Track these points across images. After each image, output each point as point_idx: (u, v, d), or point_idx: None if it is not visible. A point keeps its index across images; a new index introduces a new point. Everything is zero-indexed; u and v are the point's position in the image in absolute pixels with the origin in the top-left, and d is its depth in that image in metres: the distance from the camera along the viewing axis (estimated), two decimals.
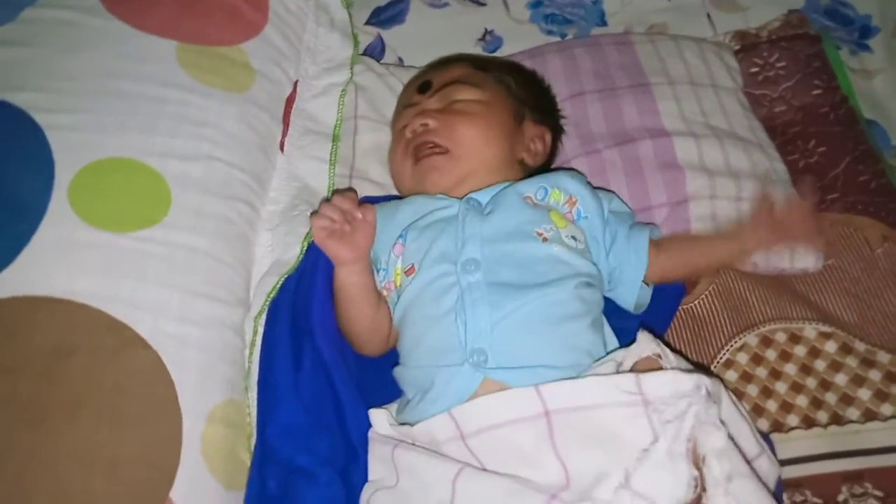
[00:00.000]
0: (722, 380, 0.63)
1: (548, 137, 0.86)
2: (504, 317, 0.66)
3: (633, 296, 0.77)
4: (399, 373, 0.72)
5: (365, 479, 0.67)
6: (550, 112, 0.90)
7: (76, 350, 0.61)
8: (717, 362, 0.79)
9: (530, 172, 0.82)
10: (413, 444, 0.64)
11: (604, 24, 1.10)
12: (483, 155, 0.78)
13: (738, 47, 1.05)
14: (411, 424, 0.65)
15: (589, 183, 0.80)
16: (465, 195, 0.76)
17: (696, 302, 0.83)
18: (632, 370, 0.61)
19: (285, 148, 0.88)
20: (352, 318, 0.74)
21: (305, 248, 0.78)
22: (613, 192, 0.83)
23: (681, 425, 0.55)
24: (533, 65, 0.97)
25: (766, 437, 0.71)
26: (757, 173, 0.88)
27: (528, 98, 0.86)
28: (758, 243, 0.75)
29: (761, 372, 0.78)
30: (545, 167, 0.87)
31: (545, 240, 0.71)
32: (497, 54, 1.05)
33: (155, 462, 0.60)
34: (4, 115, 0.72)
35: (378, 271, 0.77)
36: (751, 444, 0.62)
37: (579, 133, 0.92)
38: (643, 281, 0.76)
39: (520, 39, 1.06)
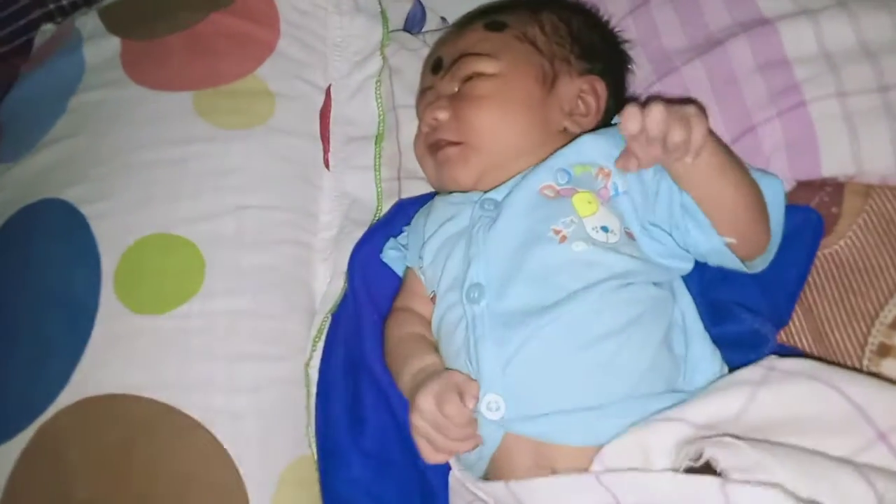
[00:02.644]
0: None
1: (600, 87, 0.69)
2: (514, 353, 0.55)
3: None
4: None
5: None
6: (603, 50, 0.72)
7: (135, 443, 0.62)
8: (880, 324, 0.59)
9: None
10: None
11: None
12: (505, 141, 0.66)
13: None
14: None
15: None
16: (489, 192, 0.64)
17: (840, 243, 0.63)
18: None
19: (330, 164, 0.82)
20: None
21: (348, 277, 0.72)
22: None
23: None
24: None
25: None
26: None
27: (563, 46, 0.70)
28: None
29: None
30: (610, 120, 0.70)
31: (563, 238, 0.57)
32: None
33: None
34: (63, 212, 0.75)
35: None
36: None
37: (649, 53, 0.74)
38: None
39: None
